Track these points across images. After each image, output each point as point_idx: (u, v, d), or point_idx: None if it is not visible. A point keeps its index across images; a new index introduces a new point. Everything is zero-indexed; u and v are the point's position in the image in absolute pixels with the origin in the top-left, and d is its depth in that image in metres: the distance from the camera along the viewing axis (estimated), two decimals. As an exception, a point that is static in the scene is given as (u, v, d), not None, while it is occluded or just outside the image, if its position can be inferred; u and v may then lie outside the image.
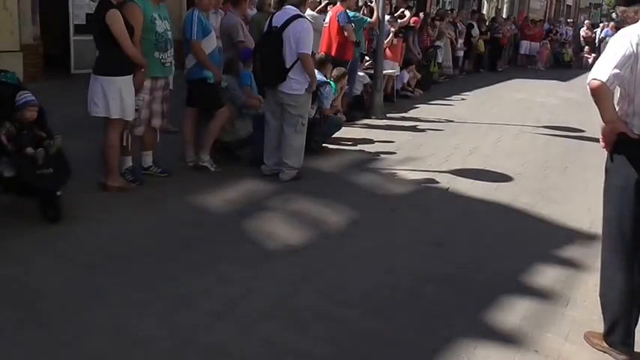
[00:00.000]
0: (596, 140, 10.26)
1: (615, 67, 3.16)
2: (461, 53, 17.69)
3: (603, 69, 3.18)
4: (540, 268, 4.75)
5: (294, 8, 6.18)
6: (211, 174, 6.47)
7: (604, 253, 3.54)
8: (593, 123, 11.20)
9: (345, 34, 9.22)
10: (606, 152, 3.51)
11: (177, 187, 5.99)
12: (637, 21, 3.35)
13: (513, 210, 6.14)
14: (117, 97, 5.43)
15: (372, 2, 10.71)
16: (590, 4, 55.01)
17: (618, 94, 3.33)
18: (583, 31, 25.37)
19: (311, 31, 6.16)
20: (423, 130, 9.70)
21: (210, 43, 6.21)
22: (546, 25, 25.02)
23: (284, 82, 6.14)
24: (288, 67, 6.08)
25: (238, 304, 3.86)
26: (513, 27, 21.83)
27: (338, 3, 9.59)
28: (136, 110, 5.71)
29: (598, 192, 6.72)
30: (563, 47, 24.35)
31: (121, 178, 5.79)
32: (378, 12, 10.07)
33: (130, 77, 5.53)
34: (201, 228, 5.06)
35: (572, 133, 10.35)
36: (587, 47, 24.66)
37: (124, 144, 5.82)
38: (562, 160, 8.39)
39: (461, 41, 17.43)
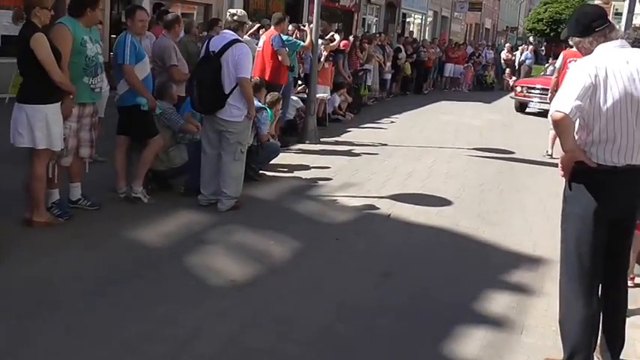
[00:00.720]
0: (526, 161, 10.53)
1: (577, 99, 3.21)
2: (388, 76, 17.94)
3: (565, 101, 3.22)
4: (490, 294, 4.73)
5: (232, 33, 6.05)
6: (145, 206, 6.20)
7: (563, 281, 3.54)
8: (520, 145, 11.56)
9: (280, 58, 9.14)
10: (564, 180, 3.52)
11: (109, 221, 5.69)
12: (592, 52, 3.43)
13: (457, 235, 6.15)
14: (43, 126, 5.13)
15: (304, 26, 10.66)
16: (507, 27, 57.52)
17: (577, 123, 3.35)
18: (504, 54, 26.27)
19: (250, 56, 6.05)
20: (358, 155, 9.69)
21: (144, 69, 5.98)
22: (469, 49, 25.75)
23: (223, 108, 5.97)
24: (227, 92, 5.92)
25: (186, 348, 3.65)
26: (438, 50, 22.35)
27: (272, 27, 9.50)
28: (63, 139, 5.40)
29: (535, 213, 6.94)
30: (486, 70, 25.18)
31: (47, 213, 5.46)
32: (311, 36, 10.04)
33: (57, 105, 5.23)
34: (138, 265, 4.80)
35: (501, 154, 10.60)
36: (508, 70, 25.56)
37: (50, 176, 5.50)
38: (496, 181, 8.53)
39: (389, 64, 17.68)
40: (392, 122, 13.70)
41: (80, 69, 5.45)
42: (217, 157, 6.19)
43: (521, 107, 17.21)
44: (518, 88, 17.20)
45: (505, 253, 5.71)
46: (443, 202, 7.28)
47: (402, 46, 19.29)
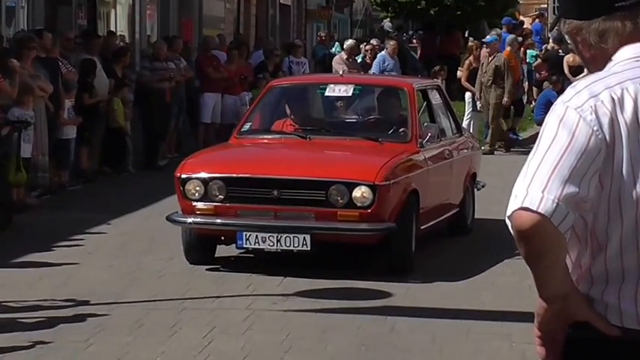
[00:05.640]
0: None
1: (569, 182, 2.08)
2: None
3: (542, 187, 2.07)
4: None
5: None
6: None
7: None
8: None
9: None
10: None
11: None
12: (605, 58, 2.28)
13: None
14: None
15: None
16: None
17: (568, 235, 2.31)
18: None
19: None
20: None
21: None
22: (257, 55, 21.73)
23: None
24: None
25: None
26: (184, 63, 17.30)
27: None
28: None
29: None
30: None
31: None
32: None
33: None
34: None
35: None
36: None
37: None
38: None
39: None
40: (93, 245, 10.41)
41: None
42: None
43: None
44: None
45: None
46: None
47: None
